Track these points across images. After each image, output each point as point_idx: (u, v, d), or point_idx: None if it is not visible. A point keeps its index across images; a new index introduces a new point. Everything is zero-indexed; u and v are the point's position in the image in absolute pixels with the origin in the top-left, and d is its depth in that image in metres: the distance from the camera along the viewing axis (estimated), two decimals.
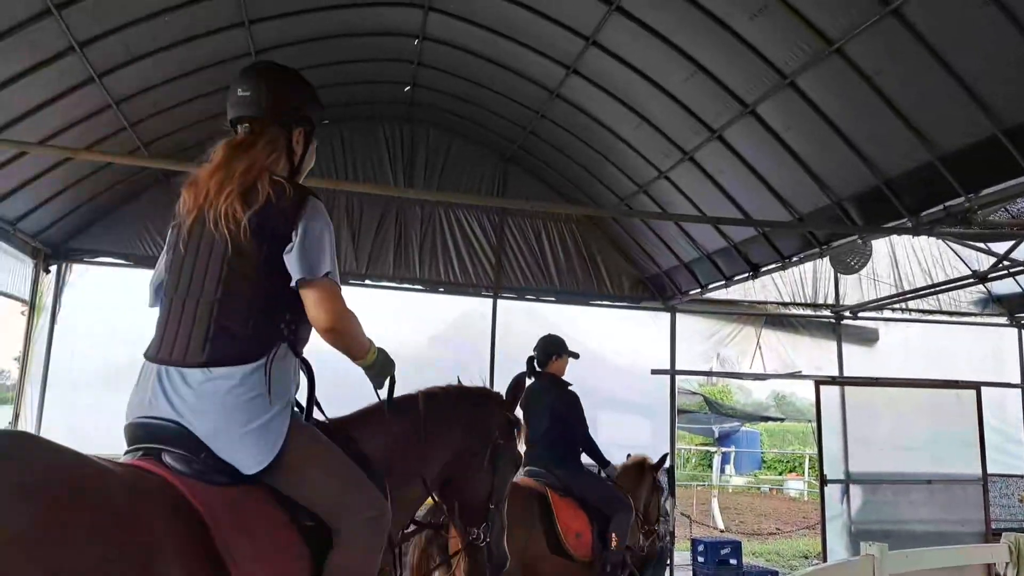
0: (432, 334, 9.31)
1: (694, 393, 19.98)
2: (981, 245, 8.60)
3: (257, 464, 2.05)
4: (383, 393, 2.57)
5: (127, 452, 2.12)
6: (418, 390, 2.91)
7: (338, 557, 2.14)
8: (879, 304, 9.67)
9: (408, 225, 8.94)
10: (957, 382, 9.65)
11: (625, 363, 9.66)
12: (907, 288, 9.57)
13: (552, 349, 5.48)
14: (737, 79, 5.88)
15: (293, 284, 2.14)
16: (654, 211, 8.10)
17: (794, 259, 7.25)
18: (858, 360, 9.93)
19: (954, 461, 9.51)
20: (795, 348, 9.77)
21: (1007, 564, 5.03)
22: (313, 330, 2.25)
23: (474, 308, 9.33)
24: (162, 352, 2.13)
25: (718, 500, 16.22)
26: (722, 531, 12.89)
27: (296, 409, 2.25)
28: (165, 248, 2.32)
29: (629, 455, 5.97)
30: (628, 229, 9.21)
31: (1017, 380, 10.13)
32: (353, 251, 8.68)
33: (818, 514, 9.16)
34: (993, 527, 8.80)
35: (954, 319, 10.21)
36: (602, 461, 5.44)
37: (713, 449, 20.51)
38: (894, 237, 9.82)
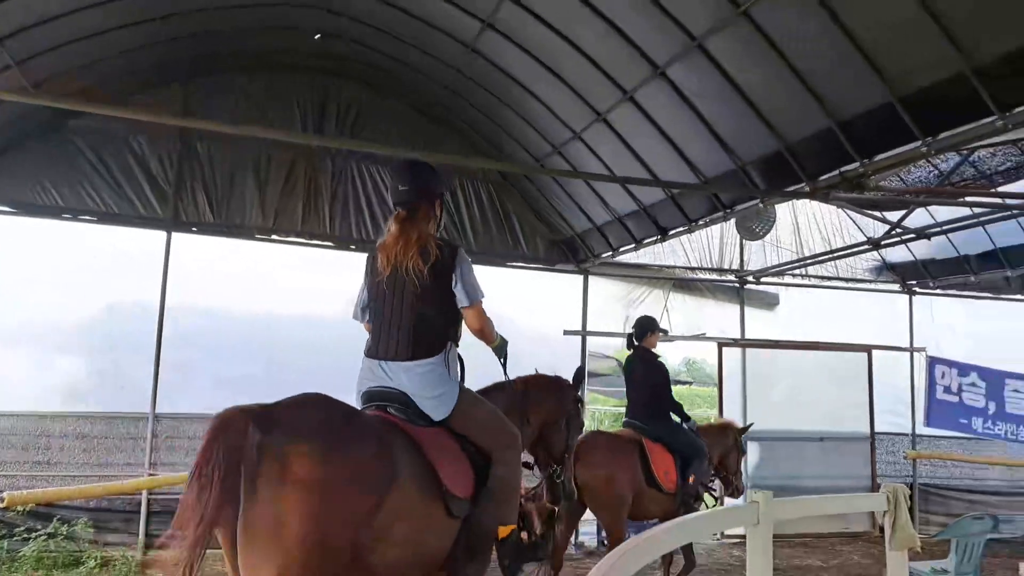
0: (351, 296, 9.16)
1: (608, 357, 20.40)
2: (876, 213, 8.99)
3: (441, 415, 3.39)
4: (505, 368, 4.07)
5: (364, 407, 3.44)
6: (520, 377, 4.33)
7: (497, 470, 3.43)
8: (781, 270, 10.02)
9: (318, 179, 8.74)
10: (851, 345, 10.15)
11: (539, 324, 9.76)
12: (807, 254, 9.95)
13: (647, 328, 6.86)
14: (649, 40, 5.92)
15: (460, 307, 3.52)
16: (566, 170, 8.13)
17: (700, 222, 7.41)
18: (760, 323, 10.30)
19: (846, 420, 10.04)
20: (701, 311, 10.06)
21: (884, 512, 5.34)
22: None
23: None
24: (380, 353, 3.46)
25: None
26: None
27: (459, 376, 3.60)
28: (365, 285, 3.67)
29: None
30: (543, 191, 9.24)
31: (907, 344, 10.68)
32: (259, 204, 8.45)
33: None
34: (879, 482, 9.32)
35: (851, 285, 10.68)
36: (684, 416, 6.66)
37: (614, 409, 20.99)
38: (797, 205, 10.19)
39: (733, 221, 9.59)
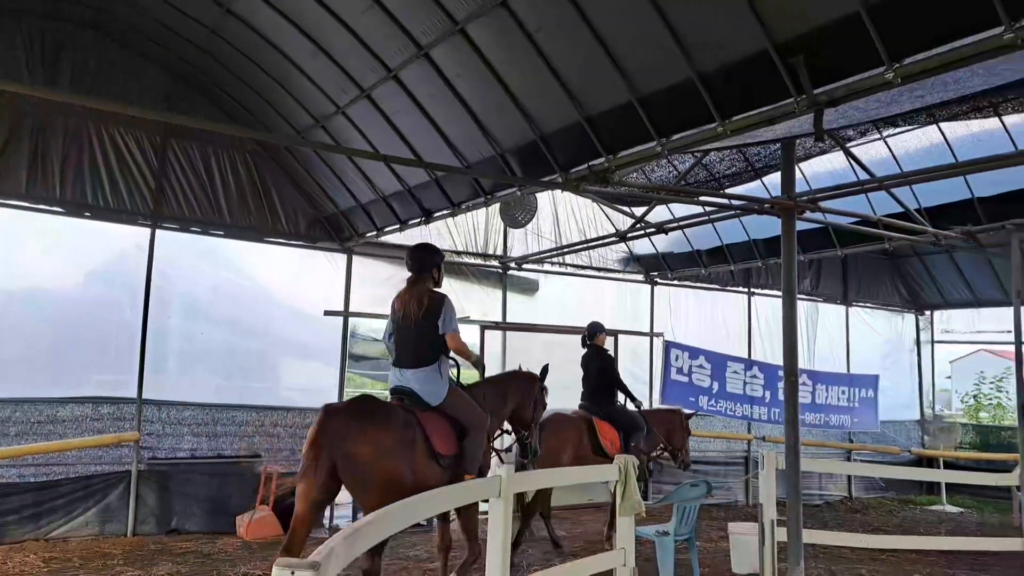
0: (91, 269, 8.34)
1: (376, 340, 20.25)
2: (625, 208, 9.69)
3: (435, 403, 5.40)
4: (483, 373, 6.67)
5: (392, 398, 5.52)
6: (506, 371, 7.30)
7: (468, 440, 5.42)
8: (541, 257, 10.49)
9: (48, 139, 7.83)
10: None
11: (299, 303, 9.47)
12: (565, 244, 10.51)
13: (596, 330, 8.58)
14: (413, 19, 5.90)
15: (441, 334, 5.49)
16: (329, 144, 7.93)
17: (463, 206, 7.54)
18: (521, 307, 10.73)
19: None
20: (466, 295, 10.27)
21: (616, 481, 5.78)
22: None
23: (135, 239, 8.48)
24: (399, 363, 5.53)
25: None
26: None
27: (452, 379, 5.62)
28: (390, 321, 5.75)
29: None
30: (306, 165, 8.95)
31: (648, 329, 11.64)
32: None
33: None
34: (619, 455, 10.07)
35: (602, 274, 11.42)
36: (631, 397, 8.44)
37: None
38: (557, 197, 10.72)
39: (499, 210, 9.92)
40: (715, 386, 11.64)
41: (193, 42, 7.74)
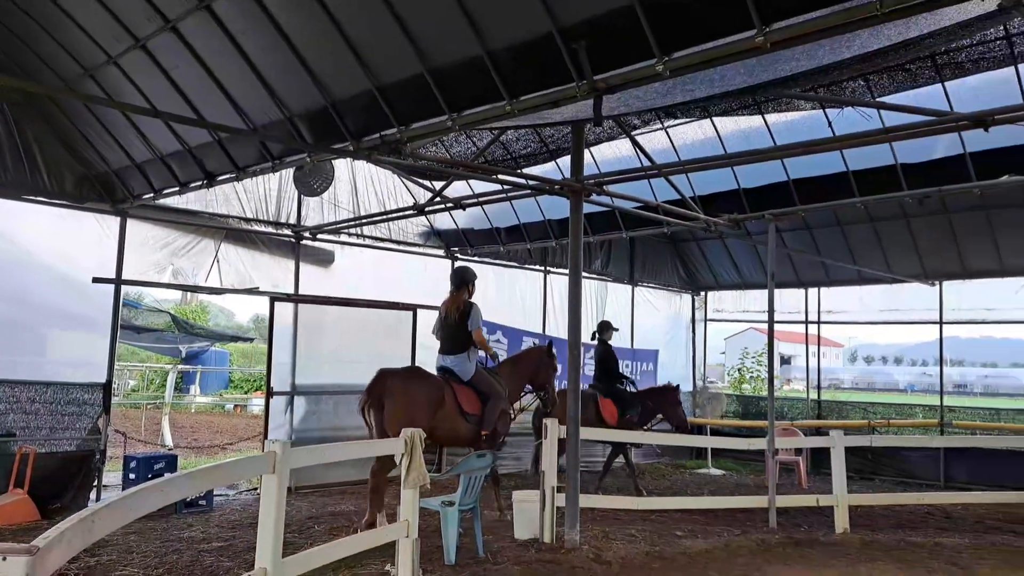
0: None
1: (162, 311, 18.92)
2: (425, 182, 9.68)
3: (466, 378, 7.77)
4: (496, 360, 8.42)
5: (438, 373, 7.89)
6: (525, 349, 10.52)
7: (488, 406, 7.70)
8: (337, 228, 10.23)
9: None
10: (399, 304, 10.80)
11: (65, 269, 8.60)
12: (364, 215, 10.32)
13: (607, 328, 10.66)
14: None
15: (469, 330, 7.80)
16: (99, 96, 7.23)
17: (249, 170, 7.17)
18: (315, 279, 10.41)
19: None
20: (255, 264, 9.81)
21: (402, 454, 5.80)
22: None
23: None
24: (442, 350, 7.97)
25: (175, 419, 15.68)
26: (170, 448, 12.54)
27: (478, 363, 7.96)
28: (438, 318, 8.10)
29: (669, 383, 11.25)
30: (74, 119, 8.10)
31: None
32: None
33: None
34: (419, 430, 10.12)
35: (402, 248, 11.35)
36: (630, 382, 10.86)
37: (168, 367, 19.80)
38: (357, 166, 10.48)
39: (292, 176, 9.52)
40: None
41: None
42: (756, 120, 8.52)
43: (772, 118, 8.42)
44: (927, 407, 13.24)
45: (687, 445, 13.81)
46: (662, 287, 14.85)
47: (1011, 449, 11.24)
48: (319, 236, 10.34)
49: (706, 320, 15.52)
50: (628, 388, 10.65)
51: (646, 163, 8.26)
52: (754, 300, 14.61)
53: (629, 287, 14.17)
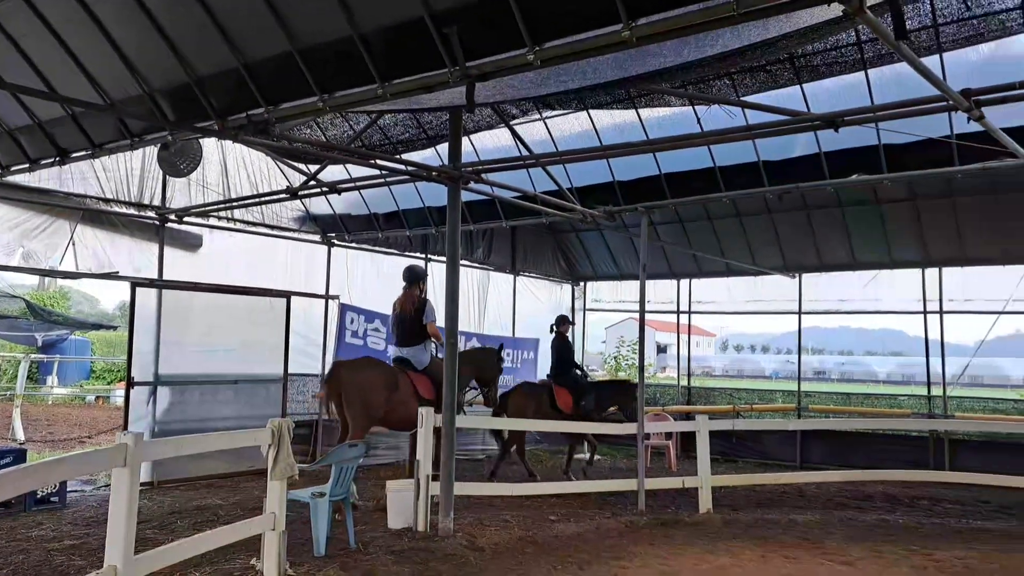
0: None
1: (15, 297, 17.58)
2: (300, 165, 9.41)
3: (422, 366, 8.74)
4: (438, 351, 8.84)
5: (393, 363, 9.01)
6: (475, 347, 11.62)
7: (442, 391, 7.52)
8: (206, 210, 9.81)
9: None
10: (272, 291, 10.48)
11: None
12: (234, 197, 9.93)
13: (563, 322, 11.04)
14: None
15: (423, 324, 8.72)
16: None
17: (106, 147, 6.75)
18: (182, 264, 9.95)
19: (262, 362, 10.35)
20: (115, 247, 9.28)
21: (269, 445, 5.62)
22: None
23: None
24: (399, 342, 8.94)
25: (29, 412, 14.66)
26: (21, 443, 11.72)
27: (432, 354, 8.91)
28: (392, 315, 9.01)
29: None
30: None
31: (323, 291, 11.48)
32: None
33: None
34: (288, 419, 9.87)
35: (276, 232, 11.00)
36: (584, 373, 11.23)
37: (21, 356, 18.50)
38: (227, 147, 10.08)
39: (157, 156, 9.05)
40: (391, 349, 11.84)
41: None
42: (630, 114, 8.74)
43: (645, 113, 8.65)
44: (787, 392, 14.02)
45: (565, 431, 14.05)
46: (543, 277, 15.05)
47: (858, 431, 12.07)
48: (186, 219, 9.87)
49: (585, 310, 15.85)
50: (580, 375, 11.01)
51: (525, 153, 8.33)
52: (631, 290, 15.01)
53: (511, 276, 14.29)
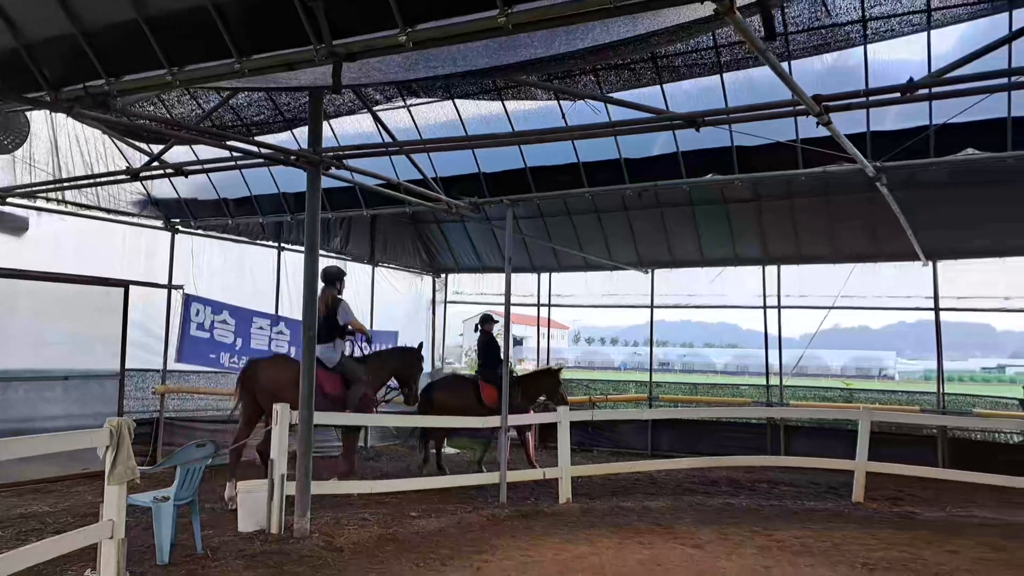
0: None
1: None
2: (142, 145, 8.72)
3: (332, 364, 8.79)
4: (370, 344, 9.92)
5: None
6: (396, 346, 11.78)
7: (350, 390, 8.76)
8: (33, 191, 8.91)
9: None
10: (108, 279, 9.70)
11: None
12: (65, 177, 9.08)
13: (488, 321, 10.98)
14: None
15: (341, 324, 8.98)
16: None
17: None
18: (4, 250, 9.00)
19: (96, 356, 9.57)
20: None
21: (107, 447, 5.15)
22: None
23: None
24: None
25: None
26: None
27: (343, 353, 9.14)
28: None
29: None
30: None
31: (165, 281, 10.73)
32: None
33: None
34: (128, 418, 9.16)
35: (113, 216, 10.18)
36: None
37: None
38: (59, 122, 9.23)
39: None
40: (239, 342, 11.27)
41: None
42: (496, 106, 8.70)
43: (512, 105, 8.64)
44: (638, 383, 14.52)
45: (424, 426, 13.90)
46: (403, 268, 14.81)
47: (704, 419, 12.67)
48: (9, 200, 8.92)
49: (446, 302, 15.74)
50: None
51: (388, 140, 8.11)
52: (492, 283, 15.06)
53: (370, 267, 13.95)
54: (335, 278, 9.06)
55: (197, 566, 5.83)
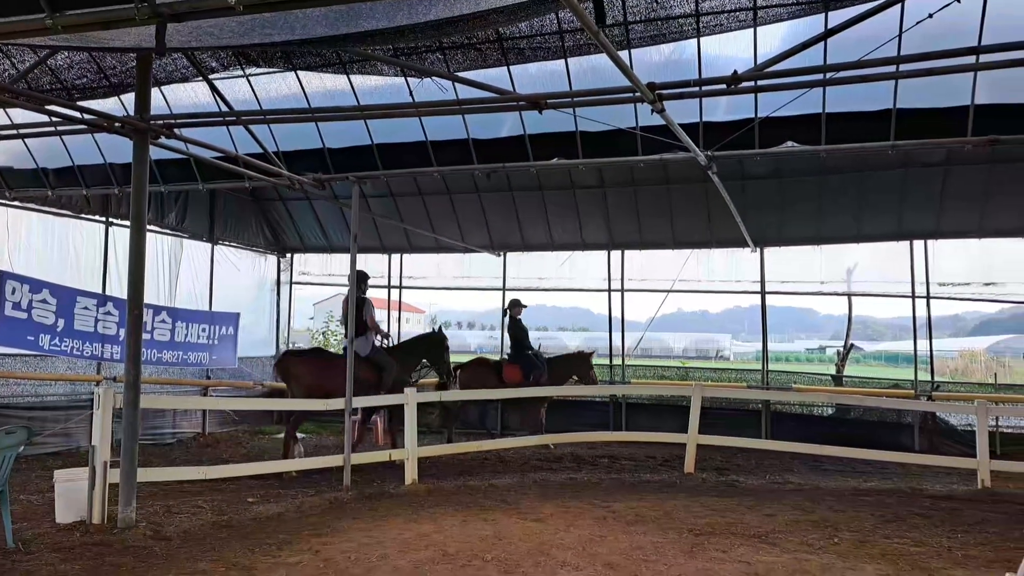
0: None
1: None
2: None
3: (365, 353, 9.92)
4: (388, 339, 10.94)
5: (343, 351, 9.65)
6: (423, 333, 11.87)
7: (383, 375, 10.03)
8: None
9: None
10: None
11: None
12: None
13: (516, 305, 12.22)
14: None
15: (364, 319, 10.01)
16: None
17: None
18: None
19: None
20: None
21: None
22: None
23: None
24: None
25: None
26: None
27: (374, 344, 10.33)
28: (342, 312, 10.82)
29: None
30: None
31: None
32: None
33: None
34: None
35: None
36: (535, 352, 12.08)
37: None
38: None
39: None
40: (61, 323, 10.42)
41: None
42: (342, 80, 8.47)
43: (357, 80, 8.44)
44: None
45: (266, 409, 13.45)
46: (246, 247, 14.19)
47: (551, 397, 12.97)
48: None
49: (292, 283, 15.26)
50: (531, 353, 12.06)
51: (226, 110, 7.72)
52: (340, 264, 14.73)
53: (208, 245, 13.28)
54: (363, 280, 10.42)
55: (7, 560, 5.38)
